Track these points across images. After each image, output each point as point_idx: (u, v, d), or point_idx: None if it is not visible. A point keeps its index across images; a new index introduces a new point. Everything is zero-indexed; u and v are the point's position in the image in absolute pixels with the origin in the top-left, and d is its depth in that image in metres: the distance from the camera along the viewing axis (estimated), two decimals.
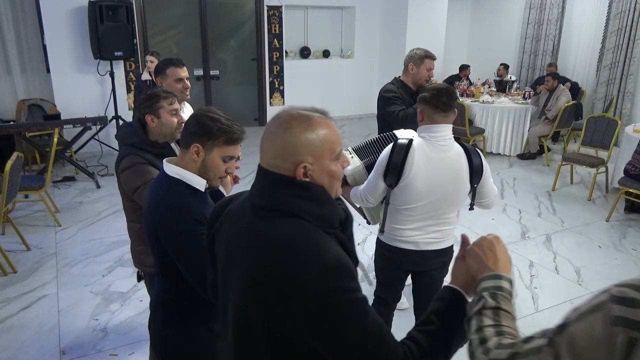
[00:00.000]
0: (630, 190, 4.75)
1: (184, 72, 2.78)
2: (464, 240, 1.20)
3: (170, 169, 1.67)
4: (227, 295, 1.20)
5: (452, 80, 8.53)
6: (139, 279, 2.42)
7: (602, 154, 5.93)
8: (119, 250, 4.11)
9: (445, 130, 2.26)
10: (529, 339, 0.88)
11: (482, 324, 0.98)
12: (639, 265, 4.02)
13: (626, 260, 4.11)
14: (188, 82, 2.82)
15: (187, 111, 4.59)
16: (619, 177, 4.97)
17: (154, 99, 2.11)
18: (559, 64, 8.57)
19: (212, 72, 8.28)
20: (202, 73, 8.21)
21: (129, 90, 7.40)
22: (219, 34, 8.26)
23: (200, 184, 1.68)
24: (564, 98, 6.88)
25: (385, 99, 3.32)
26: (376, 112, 3.42)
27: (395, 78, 3.45)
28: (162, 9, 7.69)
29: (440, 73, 9.07)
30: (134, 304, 3.42)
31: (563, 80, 7.67)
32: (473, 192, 2.32)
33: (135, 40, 6.92)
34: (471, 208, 2.41)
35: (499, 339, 0.93)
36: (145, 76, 5.51)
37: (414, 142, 2.23)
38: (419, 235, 2.33)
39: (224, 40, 8.39)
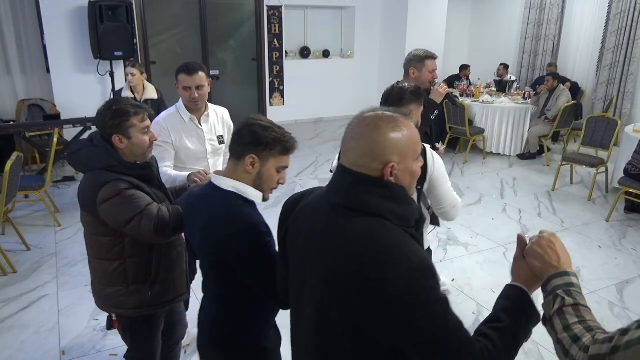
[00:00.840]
0: (630, 190, 4.75)
1: (192, 81, 2.49)
2: (520, 240, 1.22)
3: (225, 182, 1.55)
4: (302, 293, 1.20)
5: (452, 80, 8.53)
6: (110, 327, 2.09)
7: (602, 154, 5.93)
8: None
9: None
10: (625, 331, 0.89)
11: (567, 322, 1.00)
12: (638, 265, 4.01)
13: (626, 260, 4.11)
14: (197, 92, 2.52)
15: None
16: (618, 177, 4.97)
17: (123, 116, 1.86)
18: (559, 64, 8.57)
19: (212, 72, 8.28)
20: None
21: None
22: (219, 34, 8.26)
23: (257, 196, 1.58)
24: (563, 98, 6.87)
25: None
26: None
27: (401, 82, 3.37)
28: (162, 9, 7.69)
29: (440, 73, 9.04)
30: None
31: (563, 80, 7.67)
32: (418, 193, 2.20)
33: (135, 40, 6.92)
34: None
35: (592, 334, 0.95)
36: (126, 93, 4.70)
37: None
38: None
39: (224, 40, 8.39)
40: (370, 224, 1.08)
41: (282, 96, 8.92)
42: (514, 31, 9.56)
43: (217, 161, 2.76)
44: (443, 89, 3.06)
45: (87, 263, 2.08)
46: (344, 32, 9.51)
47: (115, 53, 6.55)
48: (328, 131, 8.51)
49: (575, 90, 7.95)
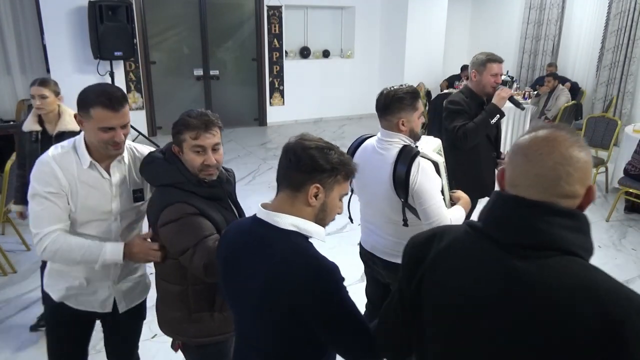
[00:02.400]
0: (630, 190, 4.75)
1: (117, 118, 1.73)
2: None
3: (283, 220, 1.30)
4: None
5: (452, 80, 8.54)
6: (176, 348, 1.91)
7: (602, 154, 5.93)
8: None
9: (382, 135, 2.14)
10: None
11: None
12: (638, 265, 4.01)
13: (626, 260, 4.11)
14: (123, 132, 1.77)
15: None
16: (618, 177, 4.97)
17: (179, 127, 1.73)
18: (559, 64, 8.57)
19: (212, 72, 8.28)
20: (202, 73, 8.21)
21: (128, 90, 7.41)
22: (219, 34, 8.26)
23: (320, 234, 1.34)
24: (563, 98, 6.88)
25: (449, 112, 2.99)
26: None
27: (465, 85, 3.16)
28: (162, 9, 7.69)
29: (440, 73, 9.08)
30: None
31: (563, 80, 7.68)
32: (404, 206, 2.10)
33: (135, 41, 6.93)
34: (405, 224, 2.14)
35: None
36: (31, 124, 2.96)
37: (366, 140, 2.27)
38: (363, 233, 2.38)
39: (224, 40, 8.40)
40: (572, 266, 0.91)
41: (282, 96, 8.92)
42: (513, 31, 9.57)
43: (131, 226, 1.97)
44: (506, 92, 2.97)
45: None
46: (344, 32, 9.52)
47: (115, 53, 6.56)
48: (328, 131, 8.51)
49: (575, 90, 7.96)
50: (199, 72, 8.18)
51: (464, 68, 8.67)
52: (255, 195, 5.08)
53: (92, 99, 1.74)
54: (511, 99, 3.04)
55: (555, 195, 0.94)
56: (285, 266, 1.25)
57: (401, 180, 2.00)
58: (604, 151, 5.85)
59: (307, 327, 1.26)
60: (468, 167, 3.05)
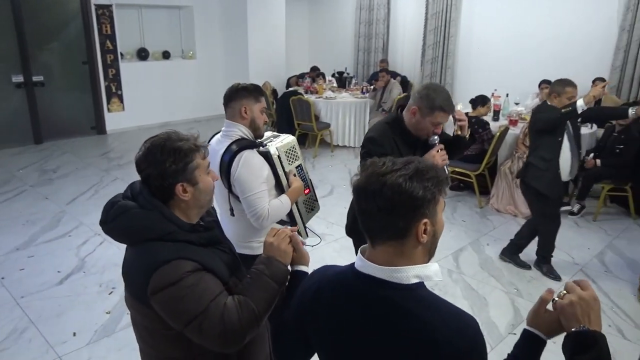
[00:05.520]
0: (457, 170, 5.39)
1: None
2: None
3: (404, 273, 1.07)
4: None
5: (301, 77, 8.71)
6: None
7: None
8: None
9: (225, 126, 2.24)
10: None
11: None
12: (468, 234, 4.58)
13: (458, 231, 4.66)
14: None
15: None
16: None
17: (188, 156, 1.39)
18: (390, 59, 9.37)
19: (34, 78, 7.40)
20: (22, 79, 7.28)
21: None
22: (40, 35, 7.40)
23: (439, 273, 1.14)
24: (396, 91, 7.54)
25: (368, 152, 2.35)
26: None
27: (396, 116, 2.48)
28: None
29: (283, 73, 9.30)
30: None
31: (394, 74, 8.41)
32: (229, 195, 2.19)
33: None
34: (231, 214, 2.21)
35: None
36: None
37: (216, 135, 2.32)
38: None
39: (47, 42, 7.55)
40: None
41: (122, 101, 8.34)
42: (348, 30, 10.18)
43: None
44: (441, 158, 2.36)
45: None
46: (184, 32, 9.22)
47: None
48: None
49: (405, 83, 8.77)
50: (18, 78, 7.25)
51: (314, 69, 8.97)
52: (100, 209, 4.61)
53: None
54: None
55: None
56: (437, 335, 1.01)
57: (224, 170, 2.11)
58: None
59: None
60: None
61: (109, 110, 8.22)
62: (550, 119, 3.45)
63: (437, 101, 2.24)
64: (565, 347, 1.02)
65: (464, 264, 4.03)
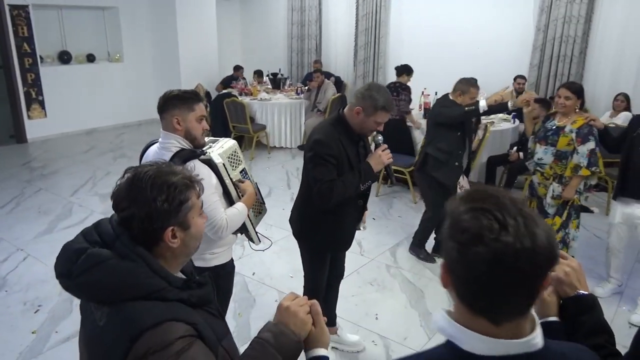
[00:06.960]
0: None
1: None
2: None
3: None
4: None
5: (227, 81, 8.58)
6: None
7: None
8: None
9: (162, 137, 2.13)
10: None
11: None
12: (405, 229, 4.71)
13: (395, 227, 4.79)
14: None
15: None
16: None
17: (182, 193, 1.16)
18: (323, 60, 9.46)
19: None
20: None
21: None
22: None
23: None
24: (330, 91, 7.63)
25: (315, 156, 2.42)
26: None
27: (338, 115, 2.59)
28: None
29: (216, 74, 9.14)
30: None
31: (327, 75, 8.50)
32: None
33: None
34: None
35: None
36: None
37: (152, 146, 2.25)
38: None
39: None
40: None
41: (43, 107, 7.87)
42: (280, 31, 10.18)
43: None
44: (386, 157, 2.53)
45: None
46: (109, 34, 8.85)
47: None
48: (104, 141, 7.82)
49: (339, 83, 8.89)
50: None
51: (237, 68, 8.86)
52: (22, 223, 4.19)
53: None
54: (387, 168, 2.63)
55: None
56: None
57: None
58: None
59: None
60: None
61: (29, 117, 7.73)
62: (454, 116, 3.71)
63: (379, 102, 2.36)
64: (567, 311, 1.13)
65: (401, 259, 4.14)
